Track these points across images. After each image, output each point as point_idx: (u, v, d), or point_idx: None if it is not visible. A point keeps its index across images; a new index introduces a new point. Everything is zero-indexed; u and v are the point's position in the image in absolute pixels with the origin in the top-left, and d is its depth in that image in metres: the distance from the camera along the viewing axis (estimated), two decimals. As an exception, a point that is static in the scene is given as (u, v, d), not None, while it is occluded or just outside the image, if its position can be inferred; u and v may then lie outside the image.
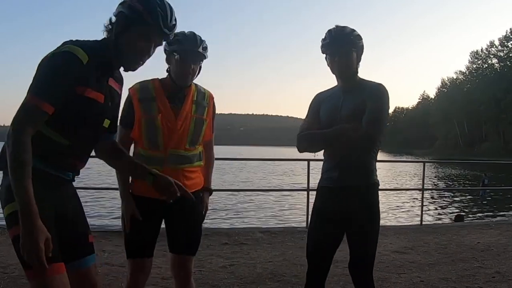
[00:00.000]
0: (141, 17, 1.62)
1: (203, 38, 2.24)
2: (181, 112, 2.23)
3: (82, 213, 1.84)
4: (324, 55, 2.27)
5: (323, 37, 2.25)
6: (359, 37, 2.24)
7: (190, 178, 2.30)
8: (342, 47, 2.20)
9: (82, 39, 1.66)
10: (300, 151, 2.38)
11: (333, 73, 2.28)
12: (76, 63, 1.55)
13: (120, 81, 1.83)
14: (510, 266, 4.39)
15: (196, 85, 2.35)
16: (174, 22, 1.70)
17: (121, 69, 1.77)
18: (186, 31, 2.23)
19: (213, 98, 2.40)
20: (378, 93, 2.21)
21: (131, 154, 2.29)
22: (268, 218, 11.48)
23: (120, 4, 1.67)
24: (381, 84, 2.26)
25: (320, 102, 2.35)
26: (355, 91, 2.23)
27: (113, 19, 1.67)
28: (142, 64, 1.72)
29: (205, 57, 2.26)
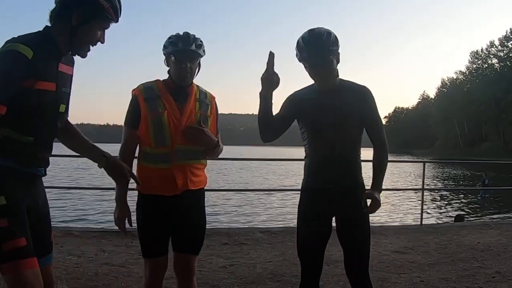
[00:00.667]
0: (105, 12, 1.73)
1: (197, 36, 2.26)
2: (186, 109, 2.27)
3: (48, 212, 1.91)
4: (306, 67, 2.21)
5: (298, 45, 2.16)
6: (336, 41, 2.15)
7: (196, 175, 2.32)
8: (323, 60, 2.13)
9: (24, 34, 1.71)
10: (264, 140, 2.33)
11: (313, 80, 2.25)
12: (21, 59, 1.60)
13: (70, 62, 1.88)
14: (510, 266, 4.39)
15: (197, 86, 2.39)
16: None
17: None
18: (180, 32, 2.27)
19: (214, 98, 2.44)
20: (368, 99, 2.22)
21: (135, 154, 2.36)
22: (268, 218, 11.49)
23: None
24: (365, 86, 2.27)
25: (298, 101, 2.28)
26: (338, 93, 2.21)
27: (64, 8, 1.72)
28: (89, 50, 1.82)
29: (200, 55, 2.29)
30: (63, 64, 1.81)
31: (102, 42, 1.82)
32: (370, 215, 2.23)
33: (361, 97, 2.22)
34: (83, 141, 2.02)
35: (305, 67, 2.22)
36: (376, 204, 2.13)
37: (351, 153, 2.24)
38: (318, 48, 2.11)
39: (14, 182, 1.68)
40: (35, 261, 1.66)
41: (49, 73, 1.71)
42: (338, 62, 2.22)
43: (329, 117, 2.19)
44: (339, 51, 2.21)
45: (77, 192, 13.36)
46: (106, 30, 1.83)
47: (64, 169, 21.99)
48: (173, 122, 2.22)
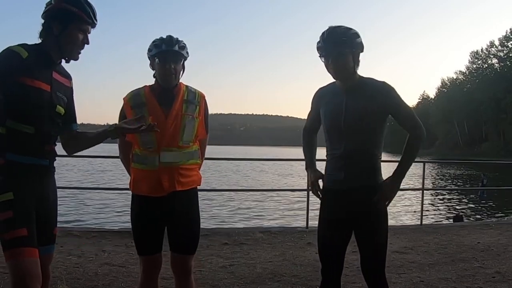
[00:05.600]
0: (76, 16, 1.94)
1: (180, 39, 2.32)
2: (171, 112, 2.30)
3: (56, 206, 2.09)
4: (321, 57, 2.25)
5: (319, 38, 2.22)
6: (354, 36, 2.18)
7: (185, 175, 2.34)
8: (334, 49, 2.16)
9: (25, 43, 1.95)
10: None
11: (328, 72, 2.26)
12: (15, 56, 1.85)
13: (66, 76, 2.11)
14: (510, 266, 4.39)
15: (186, 86, 2.41)
16: (96, 11, 2.02)
17: (64, 63, 2.06)
18: (164, 36, 2.32)
19: (204, 97, 2.45)
20: (390, 94, 2.20)
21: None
22: (268, 218, 11.49)
23: (48, 10, 1.95)
24: (385, 82, 2.25)
25: (320, 99, 2.35)
26: (357, 91, 2.21)
27: (45, 23, 1.96)
28: (80, 53, 2.03)
29: (184, 56, 2.34)
30: (57, 74, 2.03)
31: (87, 43, 2.02)
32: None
33: (385, 94, 2.20)
34: (93, 135, 2.19)
35: (321, 58, 2.24)
36: (383, 196, 2.18)
37: (366, 153, 2.22)
38: (332, 37, 2.17)
39: (24, 177, 1.88)
40: (34, 251, 1.80)
41: (43, 75, 1.93)
42: (356, 58, 2.21)
43: (346, 117, 2.20)
44: (359, 50, 2.22)
45: (78, 192, 13.35)
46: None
47: (66, 170, 21.99)
48: (158, 126, 2.22)
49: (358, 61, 2.23)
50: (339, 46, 2.16)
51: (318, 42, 2.22)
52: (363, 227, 2.23)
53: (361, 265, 2.29)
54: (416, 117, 2.27)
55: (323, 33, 2.20)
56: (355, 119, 2.18)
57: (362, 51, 2.24)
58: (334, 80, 2.30)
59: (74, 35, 1.96)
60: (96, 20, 2.02)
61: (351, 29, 2.20)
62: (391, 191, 2.23)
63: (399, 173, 2.24)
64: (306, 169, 2.45)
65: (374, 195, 2.21)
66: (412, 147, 2.27)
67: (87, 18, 1.97)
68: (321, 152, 2.52)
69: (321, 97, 2.35)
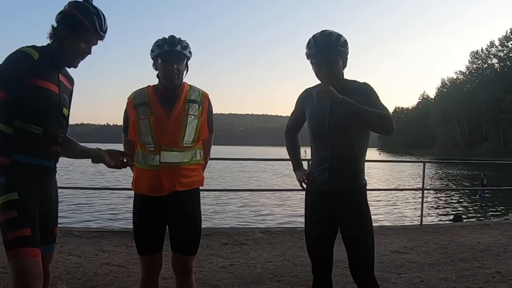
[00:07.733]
0: (82, 24, 1.96)
1: (183, 39, 2.33)
2: (173, 112, 2.30)
3: (57, 207, 2.12)
4: (309, 60, 2.25)
5: (308, 43, 2.21)
6: (345, 44, 2.21)
7: (187, 176, 2.33)
8: (328, 57, 2.17)
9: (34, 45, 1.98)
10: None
11: (318, 79, 2.26)
12: (27, 58, 1.88)
13: (69, 79, 2.14)
14: (510, 266, 4.39)
15: (190, 85, 2.41)
16: (107, 26, 2.04)
17: (71, 68, 2.09)
18: (166, 36, 2.32)
19: (207, 97, 2.45)
20: (367, 92, 2.20)
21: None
22: (268, 218, 11.49)
23: (60, 13, 1.99)
24: (365, 83, 2.26)
25: (305, 101, 2.35)
26: (341, 94, 2.18)
27: (55, 26, 1.99)
28: (81, 61, 2.06)
29: (187, 56, 2.34)
30: (63, 76, 2.06)
31: (89, 53, 2.05)
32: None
33: (362, 92, 2.21)
34: (80, 148, 2.24)
35: (311, 64, 2.24)
36: (328, 91, 2.06)
37: (350, 155, 2.23)
38: (325, 45, 2.16)
39: (29, 178, 1.91)
40: (37, 252, 1.81)
41: (52, 77, 1.97)
42: (344, 66, 2.24)
43: (330, 120, 2.21)
44: (348, 56, 2.23)
45: (79, 192, 13.36)
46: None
47: (69, 170, 21.99)
48: (159, 126, 2.27)
49: (345, 67, 2.26)
50: (333, 55, 2.17)
51: (310, 48, 2.20)
52: (348, 228, 2.24)
53: (349, 266, 2.30)
54: (390, 115, 2.19)
55: (315, 39, 2.19)
56: (339, 122, 2.19)
57: (347, 56, 2.26)
58: (320, 82, 2.31)
59: (76, 44, 1.98)
60: (104, 33, 2.03)
61: (341, 36, 2.20)
62: (336, 97, 2.07)
63: (356, 105, 2.08)
64: (294, 171, 2.47)
65: (357, 197, 2.23)
66: (385, 119, 2.13)
67: (92, 30, 1.98)
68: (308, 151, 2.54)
69: (306, 99, 2.36)
